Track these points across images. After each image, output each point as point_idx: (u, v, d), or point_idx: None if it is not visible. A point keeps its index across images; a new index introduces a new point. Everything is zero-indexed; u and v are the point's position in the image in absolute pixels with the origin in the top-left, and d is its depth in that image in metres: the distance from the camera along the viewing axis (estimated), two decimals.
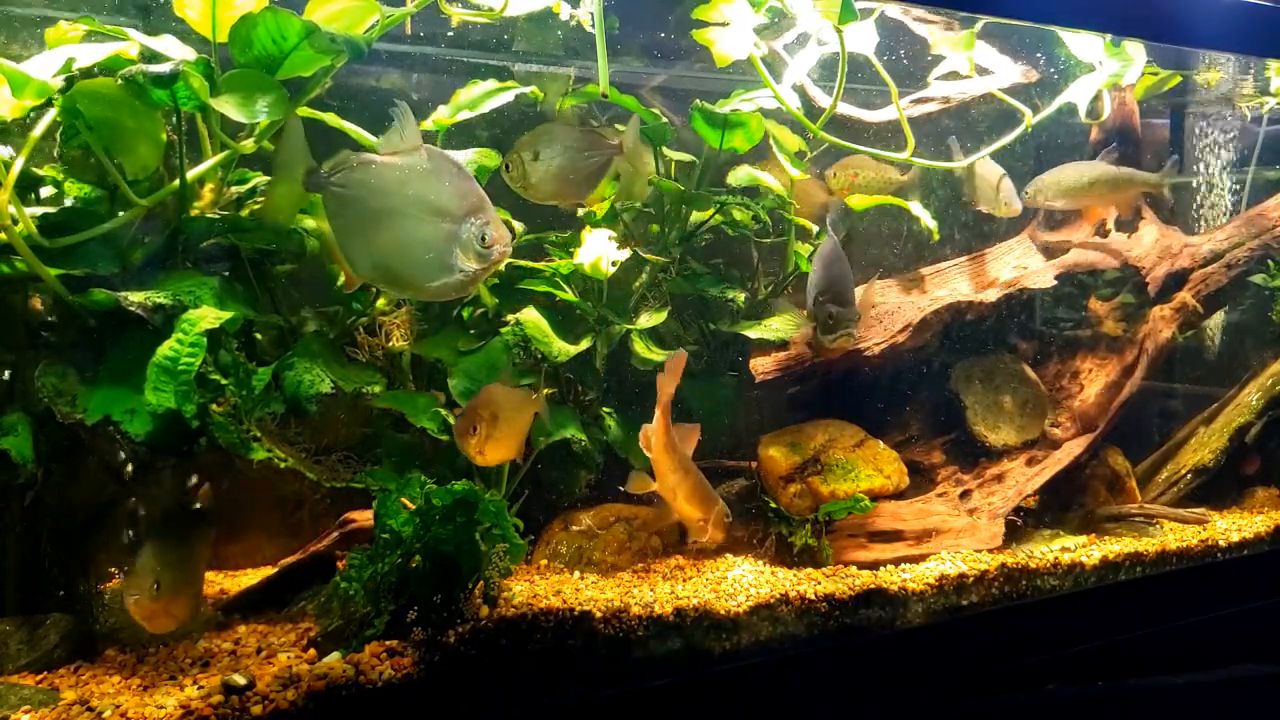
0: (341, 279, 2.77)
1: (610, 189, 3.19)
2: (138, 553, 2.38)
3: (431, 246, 2.31)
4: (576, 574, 2.98)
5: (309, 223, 2.74)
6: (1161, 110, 4.80)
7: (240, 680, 2.11)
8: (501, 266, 2.61)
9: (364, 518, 2.80)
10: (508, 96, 3.04)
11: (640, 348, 3.20)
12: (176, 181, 2.54)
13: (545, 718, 2.43)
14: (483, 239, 2.31)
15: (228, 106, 2.37)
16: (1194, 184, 4.91)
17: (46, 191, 2.53)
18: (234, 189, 2.73)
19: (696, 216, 3.44)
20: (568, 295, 3.12)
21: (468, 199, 2.33)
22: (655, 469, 2.80)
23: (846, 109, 3.66)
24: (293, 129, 2.36)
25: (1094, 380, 3.85)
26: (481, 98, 3.03)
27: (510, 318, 2.99)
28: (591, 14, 2.99)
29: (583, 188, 2.99)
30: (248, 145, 2.66)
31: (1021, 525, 3.54)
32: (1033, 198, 3.88)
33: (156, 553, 2.37)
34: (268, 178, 2.74)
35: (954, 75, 3.80)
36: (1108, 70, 3.69)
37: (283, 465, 2.46)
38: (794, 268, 3.60)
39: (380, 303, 2.94)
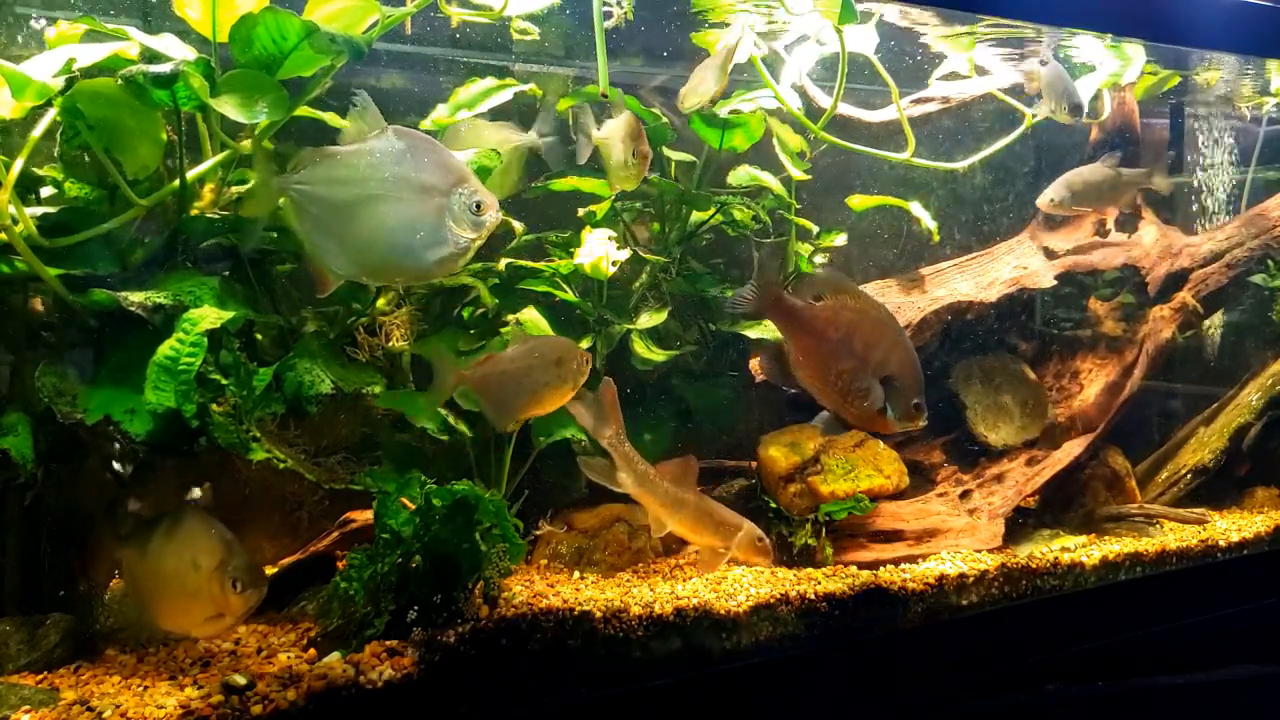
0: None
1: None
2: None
3: (422, 224, 2.28)
4: (576, 574, 2.98)
5: None
6: (1161, 110, 4.80)
7: (240, 680, 2.11)
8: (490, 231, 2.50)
9: (364, 517, 2.80)
10: (506, 95, 3.03)
11: (640, 348, 3.20)
12: (176, 181, 2.54)
13: (545, 718, 2.43)
14: (476, 206, 2.30)
15: (228, 106, 2.36)
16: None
17: (47, 191, 2.53)
18: (234, 189, 2.72)
19: (696, 216, 3.44)
20: (568, 295, 3.12)
21: (452, 170, 2.31)
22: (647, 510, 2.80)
23: (846, 109, 3.66)
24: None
25: (1094, 380, 3.85)
26: (479, 96, 3.02)
27: (510, 318, 2.99)
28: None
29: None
30: (248, 145, 2.66)
31: (1022, 525, 3.55)
32: None
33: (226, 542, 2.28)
34: None
35: (954, 75, 3.81)
36: (1107, 70, 3.69)
37: (282, 466, 2.46)
38: (794, 268, 3.60)
39: (380, 303, 2.94)
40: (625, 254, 3.08)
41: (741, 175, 3.47)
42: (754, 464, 3.37)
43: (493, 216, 2.33)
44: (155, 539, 2.30)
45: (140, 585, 2.36)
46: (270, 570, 2.86)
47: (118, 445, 2.50)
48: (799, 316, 2.67)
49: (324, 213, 2.27)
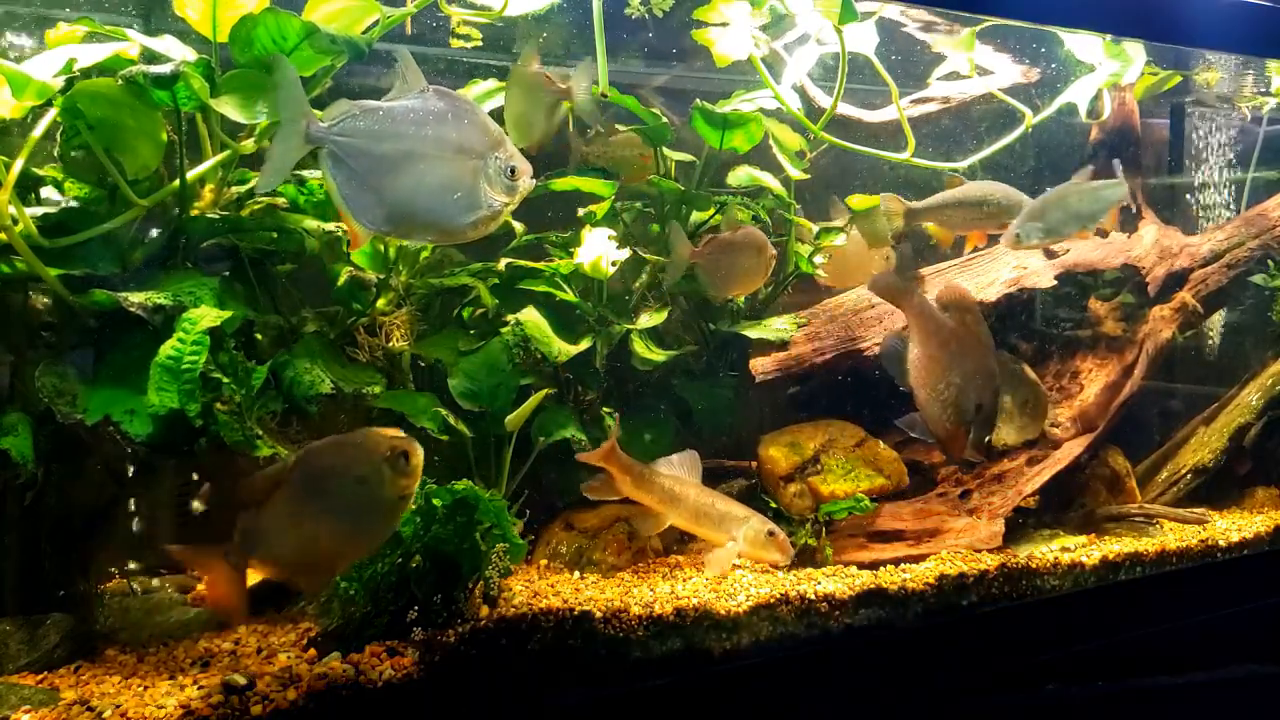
0: (347, 245, 2.66)
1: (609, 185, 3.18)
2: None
3: (459, 185, 2.29)
4: (576, 574, 2.98)
5: (309, 223, 2.74)
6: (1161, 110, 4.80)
7: (240, 680, 2.11)
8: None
9: None
10: None
11: (640, 348, 3.19)
12: (176, 181, 2.54)
13: (545, 718, 2.44)
14: (511, 171, 2.33)
15: (228, 107, 2.36)
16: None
17: (47, 192, 2.53)
18: (234, 189, 2.73)
19: (697, 216, 3.44)
20: (568, 295, 3.12)
21: (490, 133, 2.34)
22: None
23: (846, 109, 3.66)
24: (289, 78, 2.17)
25: (1094, 380, 3.85)
26: (481, 97, 3.02)
27: (510, 318, 2.99)
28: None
29: (535, 129, 2.96)
30: (248, 145, 2.66)
31: (1022, 525, 3.54)
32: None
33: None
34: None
35: (954, 75, 3.81)
36: (1107, 70, 3.69)
37: None
38: (794, 268, 3.60)
39: (380, 303, 2.94)
40: (625, 254, 3.08)
41: (741, 175, 3.47)
42: (754, 464, 3.37)
43: (526, 182, 2.36)
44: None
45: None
46: None
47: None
48: (930, 316, 2.76)
49: (363, 166, 2.24)
